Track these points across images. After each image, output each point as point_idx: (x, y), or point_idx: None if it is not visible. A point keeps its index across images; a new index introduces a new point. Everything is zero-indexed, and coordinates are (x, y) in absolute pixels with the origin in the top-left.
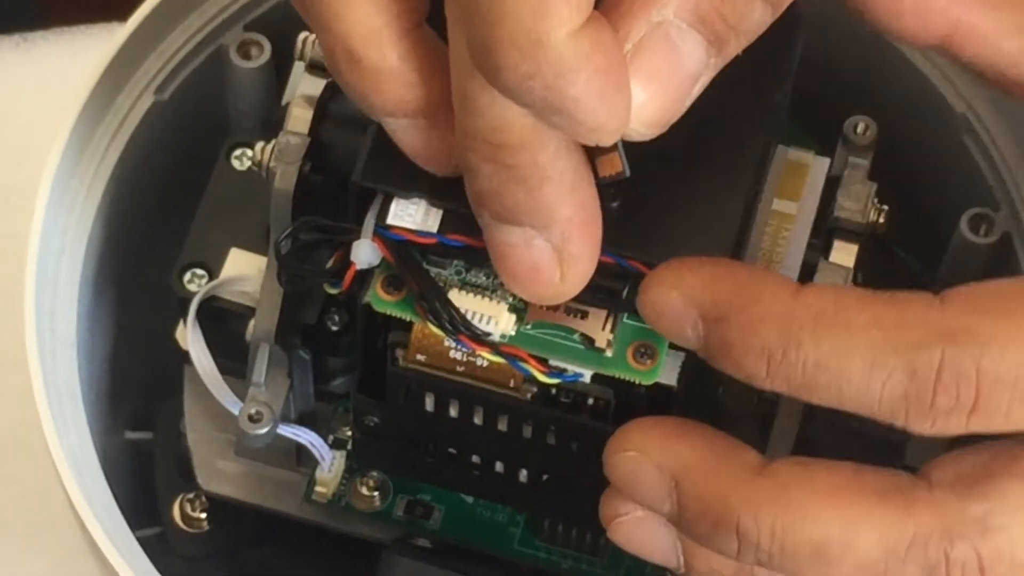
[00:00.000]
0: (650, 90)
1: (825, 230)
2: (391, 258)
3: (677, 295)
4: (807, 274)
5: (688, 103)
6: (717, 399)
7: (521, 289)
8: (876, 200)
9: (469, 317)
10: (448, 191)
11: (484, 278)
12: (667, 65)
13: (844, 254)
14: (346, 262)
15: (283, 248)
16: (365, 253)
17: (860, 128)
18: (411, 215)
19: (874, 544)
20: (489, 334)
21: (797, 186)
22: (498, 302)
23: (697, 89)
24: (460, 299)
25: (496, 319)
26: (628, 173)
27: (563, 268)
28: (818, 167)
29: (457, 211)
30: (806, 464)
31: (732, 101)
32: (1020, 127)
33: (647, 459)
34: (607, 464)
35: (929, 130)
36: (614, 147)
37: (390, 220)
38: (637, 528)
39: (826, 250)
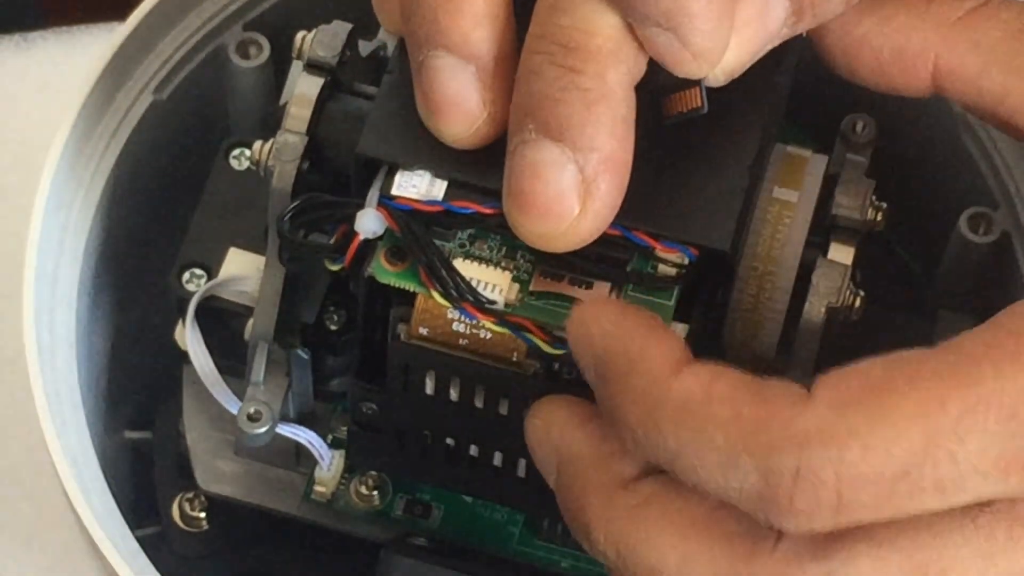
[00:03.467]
0: (740, 37)
1: (823, 228)
2: (396, 227)
3: (582, 340)
4: (805, 272)
5: (751, 63)
6: None
7: (536, 218)
8: (874, 198)
9: (474, 285)
10: (452, 162)
11: (488, 251)
12: (757, 17)
13: (842, 252)
14: (349, 237)
15: (285, 225)
16: (369, 222)
17: (859, 126)
18: (415, 186)
19: None
20: (494, 302)
21: (796, 179)
22: (502, 271)
23: (762, 52)
24: (465, 268)
25: (501, 288)
26: (706, 109)
27: (585, 202)
28: (816, 164)
29: (461, 182)
30: (671, 488)
31: (733, 81)
32: None
33: (547, 435)
34: (526, 420)
35: (928, 129)
36: (696, 82)
37: (394, 191)
38: None
39: (824, 248)
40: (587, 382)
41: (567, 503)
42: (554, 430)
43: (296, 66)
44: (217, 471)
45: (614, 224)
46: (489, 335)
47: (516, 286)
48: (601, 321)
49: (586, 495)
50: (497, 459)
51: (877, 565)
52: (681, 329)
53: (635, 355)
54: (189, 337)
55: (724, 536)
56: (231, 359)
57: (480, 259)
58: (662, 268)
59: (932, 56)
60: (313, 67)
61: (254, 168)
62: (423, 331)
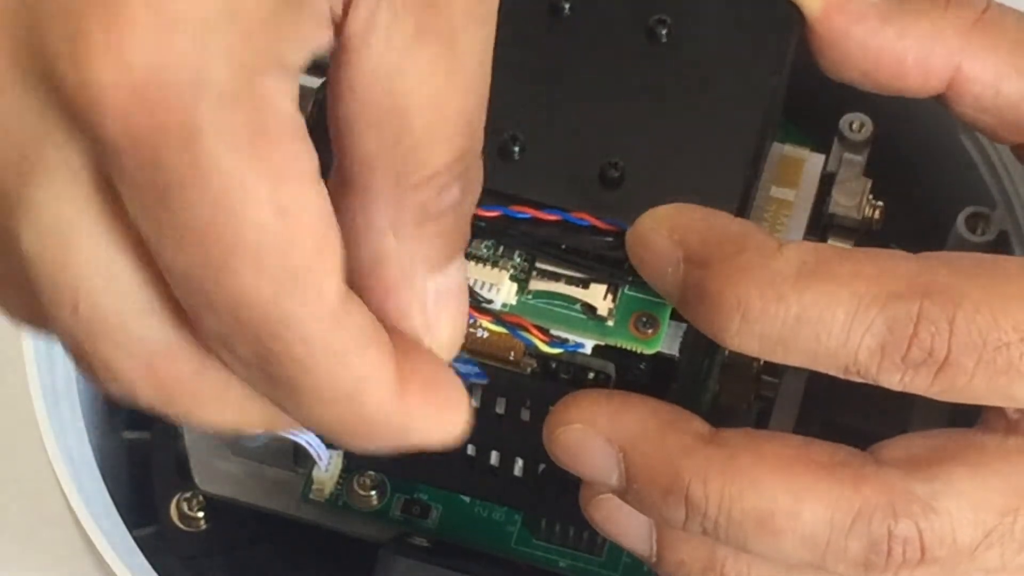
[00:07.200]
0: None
1: (821, 226)
2: None
3: (665, 233)
4: None
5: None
6: (714, 396)
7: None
8: (871, 196)
9: (471, 284)
10: None
11: (485, 250)
12: (458, 303)
13: None
14: None
15: None
16: None
17: (856, 125)
18: None
19: (820, 516)
20: (491, 301)
21: (793, 178)
22: (499, 270)
23: None
24: None
25: (498, 286)
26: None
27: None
28: (813, 163)
29: None
30: (755, 435)
31: (729, 81)
32: None
33: (593, 430)
34: (548, 439)
35: (926, 128)
36: None
37: None
38: (615, 507)
39: None
40: (660, 286)
41: (652, 478)
42: (602, 423)
43: None
44: (215, 471)
45: (613, 220)
46: (486, 334)
47: (514, 285)
48: (692, 211)
49: (674, 460)
50: (494, 458)
51: (976, 483)
52: (680, 328)
53: (739, 235)
54: None
55: (824, 468)
56: None
57: (477, 258)
58: None
59: (956, 61)
60: (310, 69)
61: None
62: None
